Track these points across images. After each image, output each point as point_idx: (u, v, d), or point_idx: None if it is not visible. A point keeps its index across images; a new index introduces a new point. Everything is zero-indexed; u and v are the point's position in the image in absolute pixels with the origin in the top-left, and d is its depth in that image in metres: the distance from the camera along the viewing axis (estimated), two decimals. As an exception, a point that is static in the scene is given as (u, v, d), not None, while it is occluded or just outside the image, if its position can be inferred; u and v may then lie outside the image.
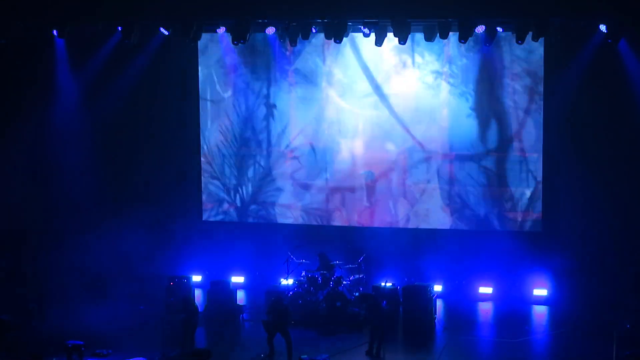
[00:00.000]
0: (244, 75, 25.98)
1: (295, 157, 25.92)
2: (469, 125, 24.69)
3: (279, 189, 26.15)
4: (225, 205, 26.60)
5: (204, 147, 26.44)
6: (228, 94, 26.23)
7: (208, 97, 26.32)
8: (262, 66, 25.83)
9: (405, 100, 25.03)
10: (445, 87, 24.71)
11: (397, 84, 25.03)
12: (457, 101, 24.69)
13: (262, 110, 25.99)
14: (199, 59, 26.14)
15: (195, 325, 20.34)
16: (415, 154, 25.14)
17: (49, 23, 23.68)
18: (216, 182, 26.54)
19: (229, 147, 26.36)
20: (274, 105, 25.87)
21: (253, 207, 26.43)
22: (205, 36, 24.56)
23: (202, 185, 26.62)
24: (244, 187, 26.43)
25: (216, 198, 26.61)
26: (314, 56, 25.40)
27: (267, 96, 25.90)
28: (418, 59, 24.74)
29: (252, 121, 26.13)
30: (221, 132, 26.33)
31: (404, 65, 24.89)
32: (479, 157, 24.74)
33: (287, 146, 25.92)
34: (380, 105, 25.21)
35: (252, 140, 26.20)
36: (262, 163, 26.20)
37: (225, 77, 26.16)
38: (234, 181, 26.44)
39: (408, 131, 25.05)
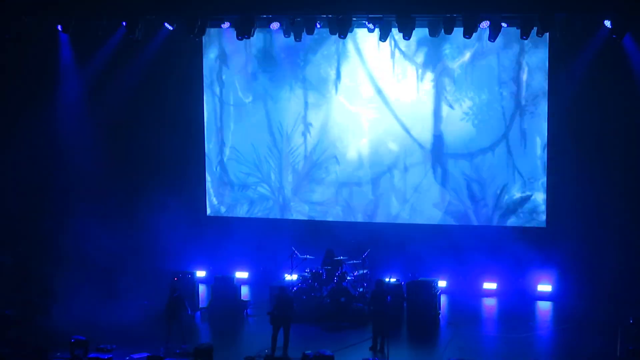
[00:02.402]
0: (264, 82, 26.18)
1: (305, 155, 26.11)
2: (473, 128, 24.77)
3: (297, 189, 26.32)
4: (232, 203, 26.81)
5: (225, 148, 26.69)
6: (249, 99, 26.40)
7: (231, 102, 26.53)
8: (279, 75, 26.07)
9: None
10: (442, 93, 24.96)
11: (399, 90, 25.29)
12: (461, 100, 24.79)
13: (278, 114, 26.23)
14: (222, 68, 26.43)
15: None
16: (419, 152, 25.27)
17: (53, 18, 23.67)
18: (226, 179, 26.79)
19: (244, 148, 26.57)
20: (295, 110, 26.14)
21: (262, 204, 26.58)
22: (228, 45, 25.66)
23: (211, 182, 26.80)
24: (257, 186, 26.61)
25: (229, 197, 26.82)
26: (325, 66, 25.68)
27: (282, 101, 26.16)
28: (417, 69, 25.10)
29: (265, 123, 26.31)
30: (240, 135, 26.57)
31: (405, 73, 25.18)
32: (483, 154, 24.79)
33: (293, 147, 26.20)
34: (383, 109, 25.45)
35: (264, 140, 26.41)
36: (275, 161, 26.35)
37: (246, 83, 26.34)
38: (247, 179, 26.66)
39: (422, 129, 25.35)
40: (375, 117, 25.55)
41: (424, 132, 25.24)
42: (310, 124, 26.00)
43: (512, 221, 24.75)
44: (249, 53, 26.09)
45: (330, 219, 26.05)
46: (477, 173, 24.91)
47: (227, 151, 26.72)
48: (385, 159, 25.60)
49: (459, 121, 24.90)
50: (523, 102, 24.43)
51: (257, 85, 26.29)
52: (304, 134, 26.08)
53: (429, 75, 25.04)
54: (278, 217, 26.50)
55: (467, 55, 24.64)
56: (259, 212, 26.65)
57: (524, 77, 24.33)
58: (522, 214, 24.68)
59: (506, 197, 24.76)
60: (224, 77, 26.51)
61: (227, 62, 26.47)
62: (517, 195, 24.66)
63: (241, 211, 26.79)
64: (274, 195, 26.54)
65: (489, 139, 24.79)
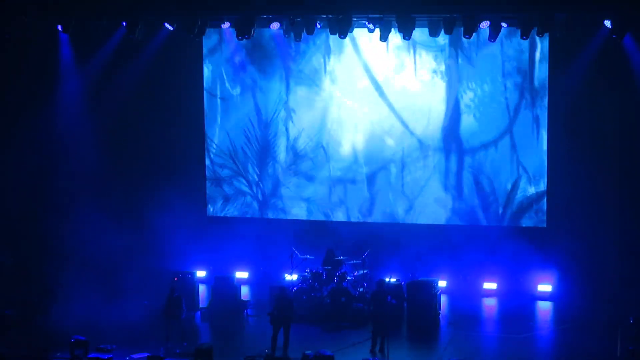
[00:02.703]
0: (252, 73, 26.02)
1: (300, 153, 25.97)
2: (474, 122, 24.67)
3: (283, 184, 26.20)
4: (232, 200, 26.79)
5: (213, 142, 26.52)
6: (237, 91, 26.25)
7: (218, 94, 26.38)
8: (269, 65, 25.87)
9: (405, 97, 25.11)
10: (443, 85, 24.77)
11: (396, 82, 25.05)
12: (462, 92, 24.67)
13: (268, 108, 26.05)
14: (209, 58, 26.28)
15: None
16: (418, 147, 25.11)
17: (53, 18, 23.69)
18: (221, 176, 26.71)
19: (235, 143, 26.43)
20: (283, 102, 25.92)
21: (260, 202, 26.53)
22: (214, 35, 25.34)
23: (207, 180, 26.73)
24: (251, 181, 26.54)
25: (221, 193, 26.73)
26: (318, 56, 25.43)
27: (273, 93, 25.96)
28: (416, 58, 24.76)
29: (258, 118, 26.16)
30: (228, 129, 26.42)
31: (403, 64, 24.90)
32: (484, 152, 24.73)
33: (276, 137, 26.11)
34: (380, 102, 25.19)
35: (257, 136, 26.27)
36: (260, 155, 26.29)
37: (234, 75, 26.20)
38: (240, 174, 26.59)
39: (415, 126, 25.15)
40: (370, 110, 25.27)
41: (422, 125, 24.95)
42: (294, 110, 25.72)
43: (513, 221, 24.67)
44: (237, 43, 25.46)
45: (323, 217, 25.96)
46: (480, 169, 24.74)
47: (213, 146, 26.57)
48: (381, 155, 25.34)
49: (460, 114, 24.69)
50: (529, 93, 24.12)
51: (246, 76, 26.09)
52: (286, 124, 25.85)
53: (428, 66, 24.74)
54: (274, 215, 26.49)
55: (470, 44, 24.25)
56: (235, 210, 26.60)
57: (537, 56, 23.98)
58: (530, 212, 24.50)
59: (518, 194, 24.52)
60: (211, 68, 26.32)
61: (220, 51, 26.25)
62: (531, 190, 24.37)
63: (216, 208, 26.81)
64: (252, 190, 26.44)
65: (492, 133, 24.56)
